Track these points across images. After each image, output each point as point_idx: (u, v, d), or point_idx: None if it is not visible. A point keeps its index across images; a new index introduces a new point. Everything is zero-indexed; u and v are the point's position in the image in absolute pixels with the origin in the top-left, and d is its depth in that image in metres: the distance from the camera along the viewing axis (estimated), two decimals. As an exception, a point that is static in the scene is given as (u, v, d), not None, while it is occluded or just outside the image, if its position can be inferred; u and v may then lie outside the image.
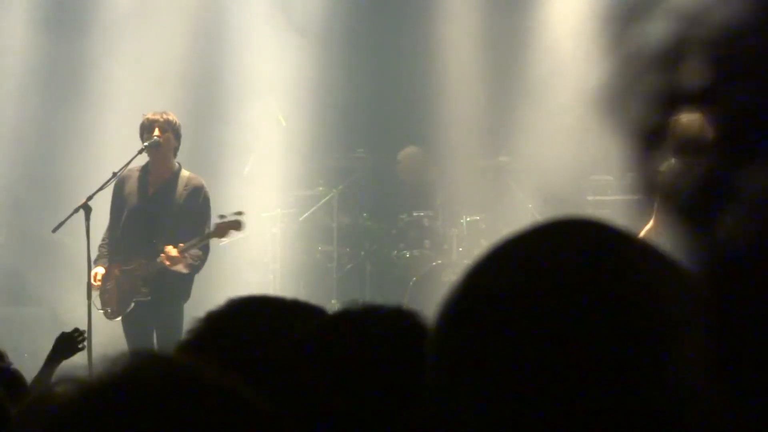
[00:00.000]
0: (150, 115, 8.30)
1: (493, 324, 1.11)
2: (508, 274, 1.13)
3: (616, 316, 1.08)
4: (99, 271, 8.36)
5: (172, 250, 8.14)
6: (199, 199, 8.33)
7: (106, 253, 8.46)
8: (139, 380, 1.15)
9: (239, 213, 8.33)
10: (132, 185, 8.39)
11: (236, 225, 8.34)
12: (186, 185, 8.35)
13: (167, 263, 8.15)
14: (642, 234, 9.02)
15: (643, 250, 1.16)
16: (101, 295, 8.42)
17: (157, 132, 8.20)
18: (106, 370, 1.15)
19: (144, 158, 8.40)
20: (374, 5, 12.26)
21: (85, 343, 5.83)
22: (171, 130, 8.27)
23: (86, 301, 8.16)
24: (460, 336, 1.13)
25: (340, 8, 12.18)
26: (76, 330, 5.78)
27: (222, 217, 8.31)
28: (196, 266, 8.29)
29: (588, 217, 1.19)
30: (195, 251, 8.26)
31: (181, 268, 8.21)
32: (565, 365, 1.07)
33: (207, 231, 8.29)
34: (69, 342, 5.69)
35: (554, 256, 1.13)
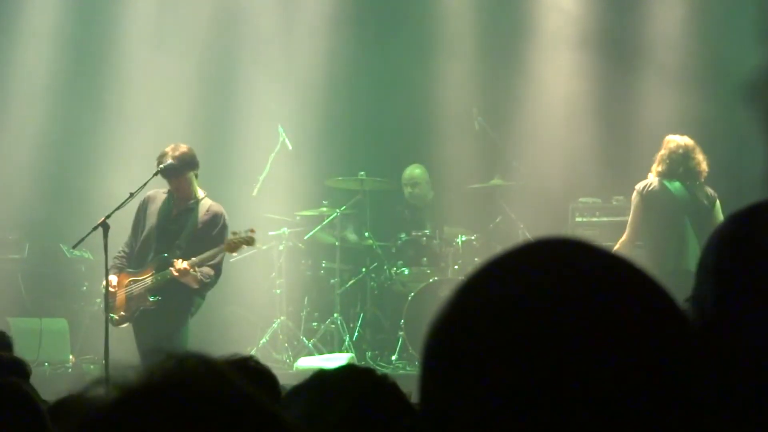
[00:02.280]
0: (165, 149, 8.39)
1: (482, 334, 1.11)
2: (497, 289, 1.14)
3: (594, 326, 1.09)
4: (112, 279, 8.42)
5: (180, 263, 8.21)
6: (218, 224, 8.45)
7: (119, 264, 8.53)
8: (179, 386, 1.12)
9: (251, 231, 8.44)
10: (157, 205, 8.51)
11: (248, 241, 8.44)
12: (207, 211, 8.47)
13: (176, 275, 8.23)
14: (617, 246, 9.12)
15: (619, 264, 1.16)
16: (112, 304, 8.50)
17: (170, 159, 8.31)
18: (144, 373, 1.13)
19: (164, 181, 8.51)
20: (377, 34, 12.33)
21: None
22: (181, 163, 8.35)
23: (104, 314, 8.23)
24: (452, 347, 1.14)
25: (345, 35, 12.26)
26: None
27: (235, 233, 8.42)
28: (206, 284, 8.35)
29: (569, 237, 1.20)
30: (206, 269, 8.32)
31: (190, 281, 8.27)
32: (550, 372, 1.08)
33: (212, 250, 8.38)
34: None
35: (539, 271, 1.14)
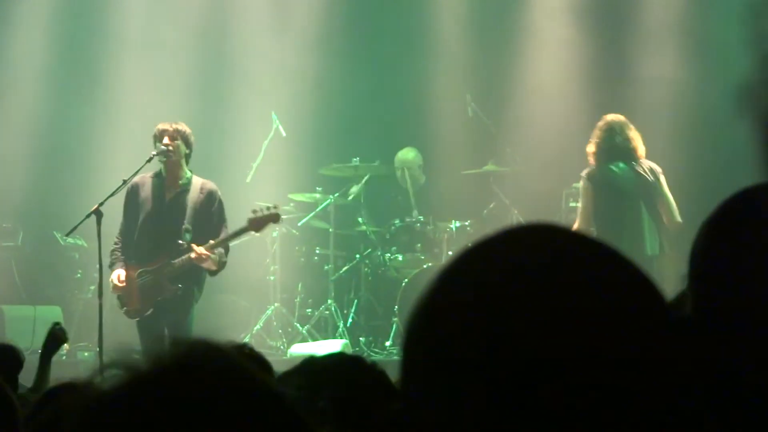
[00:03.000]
0: (161, 125, 8.33)
1: (463, 319, 1.10)
2: (478, 273, 1.13)
3: (576, 311, 1.08)
4: (121, 273, 8.33)
5: (201, 249, 8.14)
6: (215, 202, 8.36)
7: (121, 257, 8.43)
8: (189, 370, 1.12)
9: (274, 206, 8.38)
10: (147, 191, 8.39)
11: (275, 218, 8.37)
12: (201, 190, 8.38)
13: (194, 260, 8.15)
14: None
15: (602, 251, 1.16)
16: (121, 297, 8.43)
17: (167, 140, 8.24)
18: (154, 357, 1.13)
19: (154, 166, 8.43)
20: (370, 21, 12.31)
21: (65, 333, 5.87)
22: (181, 138, 8.31)
23: (97, 301, 8.20)
24: (432, 332, 1.13)
25: (338, 22, 12.24)
26: (56, 324, 5.84)
27: (255, 212, 8.35)
28: (224, 263, 8.30)
29: (551, 222, 1.18)
30: (219, 250, 8.26)
31: (210, 265, 8.22)
32: (533, 363, 1.06)
33: (234, 229, 8.30)
34: (54, 336, 5.76)
35: (521, 256, 1.13)
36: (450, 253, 10.66)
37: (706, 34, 11.32)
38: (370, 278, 11.01)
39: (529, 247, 1.14)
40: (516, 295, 1.09)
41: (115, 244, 8.47)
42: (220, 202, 8.39)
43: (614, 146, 9.08)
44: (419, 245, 10.82)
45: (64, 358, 10.31)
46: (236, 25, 12.19)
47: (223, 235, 8.25)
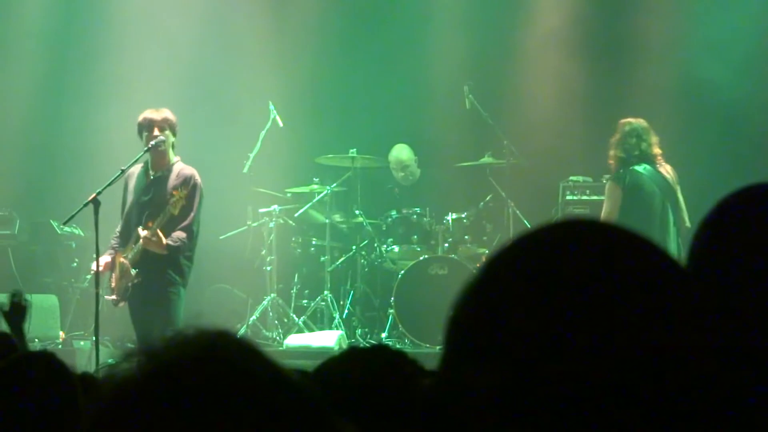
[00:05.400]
0: (147, 114, 8.31)
1: (510, 307, 1.12)
2: (525, 263, 1.15)
3: (626, 307, 1.10)
4: (105, 259, 8.38)
5: (142, 231, 8.12)
6: (187, 187, 8.23)
7: (114, 245, 8.50)
8: (213, 360, 1.12)
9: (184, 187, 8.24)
10: (133, 182, 8.45)
11: (181, 198, 8.08)
12: (178, 175, 8.33)
13: (142, 244, 8.12)
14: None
15: (648, 247, 1.18)
16: (108, 285, 8.49)
17: (156, 131, 8.25)
18: (175, 346, 1.13)
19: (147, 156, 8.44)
20: (368, 11, 12.31)
21: (22, 301, 5.81)
22: (168, 127, 8.32)
23: (94, 290, 8.21)
24: (478, 319, 1.14)
25: (336, 13, 12.25)
26: (14, 294, 5.80)
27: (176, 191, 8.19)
28: (177, 247, 8.13)
29: (595, 217, 1.23)
30: (178, 233, 8.14)
31: (155, 247, 8.09)
32: (577, 351, 1.08)
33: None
34: (16, 309, 5.72)
35: (569, 247, 1.15)
36: (446, 245, 10.69)
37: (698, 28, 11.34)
38: (366, 269, 11.02)
39: (579, 238, 1.16)
40: (566, 283, 1.12)
41: (115, 233, 8.54)
42: (194, 188, 8.27)
43: (641, 151, 9.19)
44: (416, 237, 10.83)
45: (60, 346, 10.33)
46: (233, 15, 12.18)
47: (158, 219, 8.09)
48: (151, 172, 8.39)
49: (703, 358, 1.10)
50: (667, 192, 9.21)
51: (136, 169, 8.48)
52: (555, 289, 1.11)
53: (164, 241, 8.07)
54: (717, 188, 1.68)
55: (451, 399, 1.13)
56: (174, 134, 8.35)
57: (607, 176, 10.76)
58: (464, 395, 1.12)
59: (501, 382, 1.10)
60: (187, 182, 8.29)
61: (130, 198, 8.45)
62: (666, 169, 9.30)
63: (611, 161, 9.38)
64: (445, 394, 1.14)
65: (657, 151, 9.27)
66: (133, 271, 8.23)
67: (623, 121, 9.43)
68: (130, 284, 8.30)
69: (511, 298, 1.13)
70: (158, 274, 8.20)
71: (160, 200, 8.25)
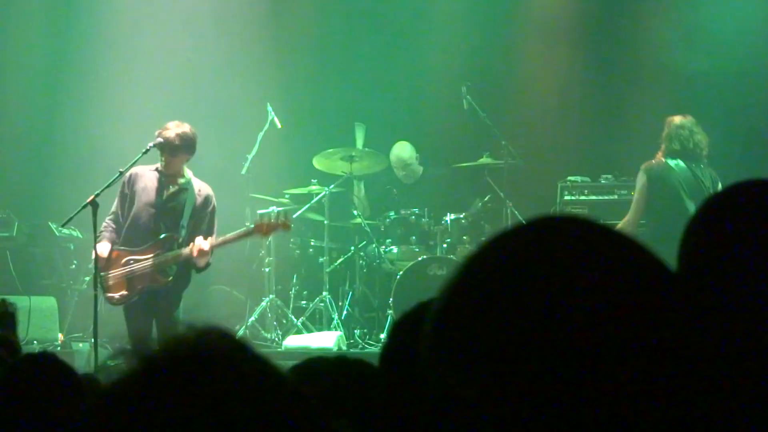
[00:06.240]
0: (166, 133, 8.30)
1: (484, 317, 1.10)
2: (498, 269, 1.13)
3: (604, 307, 1.08)
4: (103, 251, 8.34)
5: (204, 243, 8.23)
6: (209, 206, 8.48)
7: (108, 237, 8.44)
8: (202, 358, 1.12)
9: (285, 215, 8.45)
10: (145, 183, 8.45)
11: (285, 227, 8.46)
12: (199, 192, 8.48)
13: (195, 255, 8.22)
14: (620, 225, 9.16)
15: (625, 243, 1.15)
16: (106, 282, 8.46)
17: (172, 135, 8.28)
18: (166, 345, 1.13)
19: (154, 159, 8.47)
20: (366, 12, 12.31)
21: (9, 308, 5.78)
22: (184, 150, 8.33)
23: (92, 291, 8.21)
24: (453, 331, 1.12)
25: (333, 14, 12.25)
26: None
27: (263, 217, 8.43)
28: (209, 263, 8.41)
29: (572, 214, 1.19)
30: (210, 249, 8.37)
31: (203, 262, 8.30)
32: (554, 353, 1.06)
33: (239, 230, 8.40)
34: (2, 317, 5.69)
35: (542, 250, 1.13)
36: (444, 245, 10.69)
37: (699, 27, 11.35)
38: (364, 270, 11.02)
39: (556, 237, 1.14)
40: (544, 284, 1.09)
41: (106, 224, 8.49)
42: (214, 208, 8.53)
43: (691, 147, 9.26)
44: (414, 238, 10.84)
45: (58, 348, 10.33)
46: (231, 16, 12.19)
47: (230, 235, 8.37)
48: (166, 179, 8.42)
49: (684, 355, 1.09)
50: (694, 190, 9.23)
51: (146, 172, 8.50)
52: (528, 291, 1.09)
53: (209, 259, 8.29)
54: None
55: (437, 404, 1.12)
56: (189, 152, 8.39)
57: (607, 176, 10.78)
58: (448, 400, 1.10)
59: (481, 387, 1.08)
60: (208, 201, 8.48)
61: (141, 199, 8.44)
62: (705, 171, 9.35)
63: (660, 154, 9.44)
64: (431, 400, 1.13)
65: (705, 148, 9.34)
66: (162, 278, 8.32)
67: (671, 117, 9.52)
68: (147, 287, 8.31)
69: (487, 301, 1.10)
70: (183, 282, 8.42)
71: (186, 212, 8.38)
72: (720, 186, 9.22)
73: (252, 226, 8.49)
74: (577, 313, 1.07)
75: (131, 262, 8.39)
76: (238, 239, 8.45)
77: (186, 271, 8.40)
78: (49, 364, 2.84)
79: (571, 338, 1.07)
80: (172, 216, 8.39)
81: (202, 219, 8.43)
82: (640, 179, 9.41)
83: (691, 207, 9.21)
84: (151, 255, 8.34)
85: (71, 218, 8.40)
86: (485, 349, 1.09)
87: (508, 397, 1.07)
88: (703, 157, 9.34)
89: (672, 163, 9.28)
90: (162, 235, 8.38)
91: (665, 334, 1.09)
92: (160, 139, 8.27)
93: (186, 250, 8.26)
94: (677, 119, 9.43)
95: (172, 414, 1.07)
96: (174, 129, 8.30)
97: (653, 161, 9.37)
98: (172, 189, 8.45)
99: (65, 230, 10.86)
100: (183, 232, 8.36)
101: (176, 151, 8.31)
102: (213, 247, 8.28)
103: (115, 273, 8.41)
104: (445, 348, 1.13)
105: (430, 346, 1.14)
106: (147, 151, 8.29)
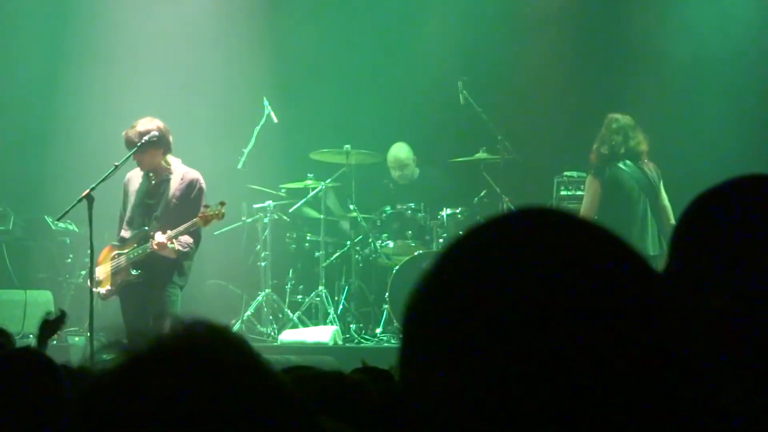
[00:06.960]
0: (128, 134, 8.31)
1: (458, 314, 1.08)
2: (471, 264, 1.11)
3: (577, 300, 1.06)
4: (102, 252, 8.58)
5: (160, 236, 8.28)
6: (193, 190, 8.46)
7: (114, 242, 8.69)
8: (187, 352, 1.11)
9: (221, 204, 8.38)
10: (136, 183, 8.57)
11: (219, 215, 8.40)
12: (182, 179, 8.47)
13: (155, 248, 8.28)
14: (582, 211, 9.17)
15: (599, 235, 1.13)
16: (97, 277, 8.55)
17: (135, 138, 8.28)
18: (153, 339, 1.12)
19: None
20: (363, 7, 12.30)
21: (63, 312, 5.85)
22: (152, 147, 8.29)
23: (88, 285, 8.25)
24: (431, 317, 1.11)
25: (330, 8, 12.25)
26: (61, 312, 5.82)
27: (207, 206, 8.39)
28: (185, 252, 8.38)
29: (546, 207, 1.16)
30: (186, 238, 8.38)
31: (168, 253, 8.32)
32: (530, 349, 1.05)
33: (186, 223, 8.38)
34: (52, 324, 5.73)
35: (518, 240, 1.11)
36: (441, 240, 10.70)
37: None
38: (360, 265, 11.03)
39: (528, 230, 1.12)
40: (516, 277, 1.08)
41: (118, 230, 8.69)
42: (200, 191, 8.48)
43: (628, 149, 9.24)
44: (410, 232, 10.85)
45: (54, 342, 10.32)
46: (228, 10, 12.18)
47: (181, 227, 8.31)
48: (151, 175, 8.45)
49: (669, 351, 1.08)
50: (647, 189, 9.27)
51: (136, 174, 8.55)
52: (502, 285, 1.07)
53: (176, 247, 8.27)
54: (716, 177, 1.69)
55: (416, 401, 1.10)
56: (156, 147, 8.34)
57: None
58: (427, 397, 1.09)
59: (460, 383, 1.06)
60: (192, 186, 8.43)
61: (131, 200, 8.55)
62: (648, 167, 9.35)
63: (593, 155, 9.45)
64: (409, 398, 1.11)
65: (644, 148, 9.32)
66: (134, 272, 8.35)
67: (610, 116, 9.49)
68: (124, 281, 8.40)
69: (461, 295, 1.09)
70: (161, 276, 8.39)
71: (165, 202, 8.40)
72: (659, 178, 9.30)
73: (200, 211, 8.37)
74: (552, 309, 1.05)
75: (116, 257, 8.55)
76: (185, 230, 8.33)
77: (161, 263, 8.37)
78: (29, 359, 2.84)
79: (544, 331, 1.05)
80: (148, 210, 8.48)
81: (185, 206, 8.40)
82: (593, 184, 9.36)
83: (647, 206, 9.24)
84: (128, 250, 8.47)
85: (67, 212, 8.42)
86: (458, 344, 1.07)
87: (482, 394, 1.05)
88: (641, 157, 9.33)
89: (621, 164, 9.30)
90: (136, 231, 8.47)
91: (648, 328, 1.07)
92: (155, 133, 8.28)
93: (148, 244, 8.33)
94: (614, 120, 9.41)
95: (154, 408, 1.07)
96: (138, 127, 8.32)
97: (601, 163, 9.34)
98: (153, 184, 8.50)
99: (61, 224, 10.86)
100: (155, 224, 8.39)
101: (144, 148, 8.29)
102: (170, 239, 8.27)
103: (103, 268, 8.55)
104: (417, 343, 1.12)
105: (403, 342, 1.13)
106: (135, 150, 8.30)
